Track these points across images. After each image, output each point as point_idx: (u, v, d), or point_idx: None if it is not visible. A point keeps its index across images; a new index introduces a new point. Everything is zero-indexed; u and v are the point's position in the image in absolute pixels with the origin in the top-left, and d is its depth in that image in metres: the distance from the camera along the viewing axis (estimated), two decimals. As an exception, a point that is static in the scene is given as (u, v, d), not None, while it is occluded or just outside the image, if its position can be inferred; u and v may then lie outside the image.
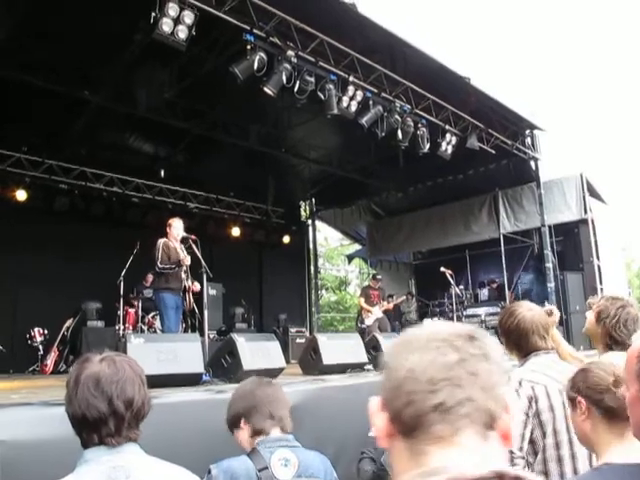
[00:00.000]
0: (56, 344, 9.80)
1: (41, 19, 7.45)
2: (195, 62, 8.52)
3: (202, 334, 6.39)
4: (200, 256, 6.83)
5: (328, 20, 7.73)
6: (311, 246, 16.76)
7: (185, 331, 7.85)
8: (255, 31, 7.27)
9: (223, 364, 5.56)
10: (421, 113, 9.69)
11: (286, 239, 15.45)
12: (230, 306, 12.19)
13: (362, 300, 11.66)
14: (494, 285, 14.02)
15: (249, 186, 14.11)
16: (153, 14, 6.37)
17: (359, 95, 8.69)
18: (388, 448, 0.83)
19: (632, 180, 37.17)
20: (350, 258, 19.47)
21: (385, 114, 9.16)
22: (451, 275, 10.75)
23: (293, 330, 12.65)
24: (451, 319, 11.06)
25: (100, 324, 10.13)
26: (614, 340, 2.53)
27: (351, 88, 8.56)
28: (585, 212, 12.35)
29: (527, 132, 11.81)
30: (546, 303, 9.67)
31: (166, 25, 6.42)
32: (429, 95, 9.56)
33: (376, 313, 11.30)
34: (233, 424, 2.35)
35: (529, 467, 2.24)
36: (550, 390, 2.31)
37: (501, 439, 0.79)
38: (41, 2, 7.20)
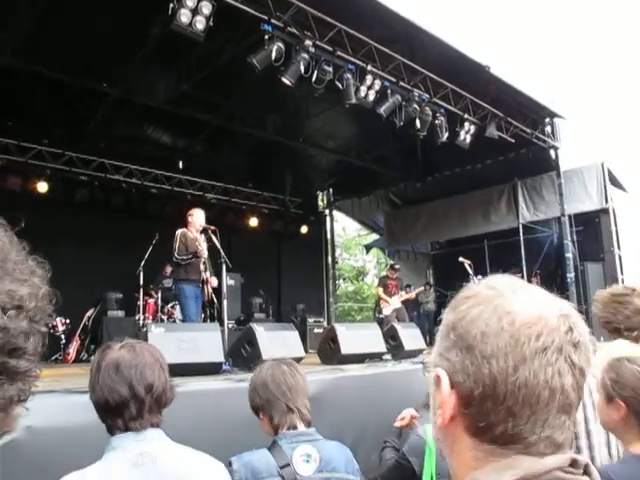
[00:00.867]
0: (78, 333, 9.94)
1: (59, 15, 7.49)
2: (213, 53, 8.52)
3: (221, 324, 6.44)
4: (219, 246, 6.87)
5: (346, 9, 7.68)
6: (329, 236, 16.76)
7: (204, 321, 7.90)
8: (273, 21, 7.25)
9: (242, 353, 5.60)
10: (440, 102, 9.61)
11: (304, 229, 15.47)
12: (248, 296, 12.25)
13: (380, 290, 11.64)
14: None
15: (267, 177, 14.14)
16: (171, 5, 6.39)
17: (377, 84, 8.64)
18: (444, 429, 0.80)
19: (654, 168, 36.56)
20: (368, 248, 19.44)
21: (403, 103, 9.11)
22: (470, 265, 10.68)
23: (311, 320, 12.70)
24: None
25: (120, 314, 10.25)
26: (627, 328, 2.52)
27: (369, 77, 8.51)
28: (606, 201, 12.18)
29: (547, 120, 11.66)
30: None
31: (184, 16, 6.43)
32: (448, 84, 9.48)
33: (394, 303, 11.28)
34: (254, 413, 2.36)
35: None
36: None
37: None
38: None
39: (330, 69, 7.95)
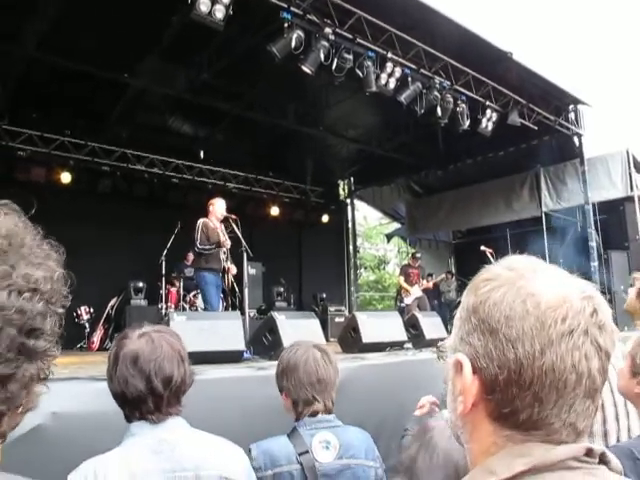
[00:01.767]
0: (102, 322, 10.10)
1: (81, 6, 7.53)
2: (232, 42, 8.52)
3: (242, 312, 6.49)
4: (240, 235, 6.91)
5: (366, -4, 7.63)
6: (350, 225, 16.74)
7: (226, 309, 7.97)
8: (292, 9, 7.22)
9: (264, 342, 5.63)
10: (461, 89, 9.51)
11: (325, 218, 15.47)
12: (270, 285, 12.33)
13: (401, 279, 11.62)
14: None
15: (288, 166, 14.14)
16: (191, -6, 6.40)
17: (398, 72, 8.58)
18: (465, 415, 0.78)
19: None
20: (389, 237, 19.37)
21: (424, 91, 9.03)
22: (491, 254, 10.58)
23: (332, 309, 12.75)
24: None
25: (143, 303, 10.38)
26: None
27: (389, 65, 8.45)
28: (631, 189, 11.97)
29: (571, 107, 11.48)
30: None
31: (203, 5, 6.43)
32: (469, 70, 9.37)
33: (415, 292, 11.25)
34: (279, 390, 2.34)
35: None
36: None
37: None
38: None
39: (350, 57, 7.91)
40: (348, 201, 16.63)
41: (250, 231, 9.27)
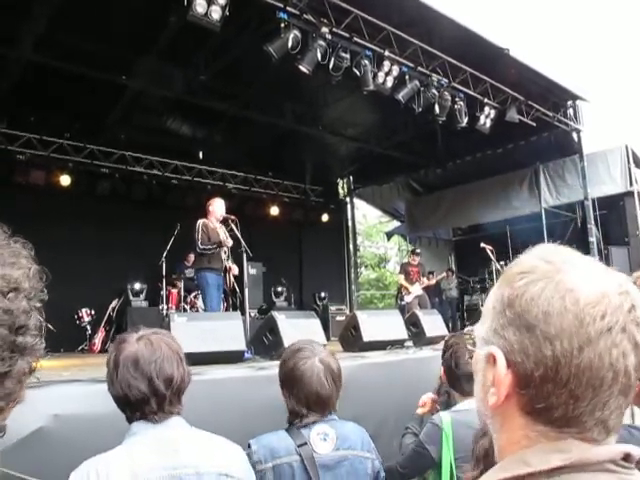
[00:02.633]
0: (103, 324, 10.12)
1: (77, 8, 7.53)
2: (229, 42, 8.53)
3: (243, 312, 6.50)
4: (240, 236, 6.92)
5: (362, -6, 7.63)
6: (350, 224, 16.75)
7: (226, 310, 7.98)
8: (288, 9, 7.22)
9: (264, 342, 5.65)
10: (459, 87, 9.51)
11: (325, 217, 15.48)
12: (270, 285, 12.34)
13: (401, 277, 11.61)
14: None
15: (287, 165, 14.15)
16: (187, -5, 6.40)
17: (395, 70, 8.58)
18: (495, 407, 0.77)
19: (681, 149, 35.75)
20: (389, 235, 19.39)
21: (422, 89, 9.04)
22: (491, 251, 10.60)
23: (333, 308, 12.77)
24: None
25: (144, 304, 10.40)
26: None
27: (387, 63, 8.45)
28: (631, 184, 11.98)
29: (569, 103, 11.49)
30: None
31: (200, 6, 6.43)
32: (466, 68, 9.37)
33: (416, 290, 11.24)
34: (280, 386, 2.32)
35: None
36: None
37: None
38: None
39: (347, 56, 7.92)
40: (347, 200, 16.64)
41: (250, 231, 9.29)
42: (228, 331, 5.17)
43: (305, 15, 7.40)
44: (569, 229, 13.24)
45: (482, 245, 10.59)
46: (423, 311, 8.50)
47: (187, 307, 10.19)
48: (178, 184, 12.82)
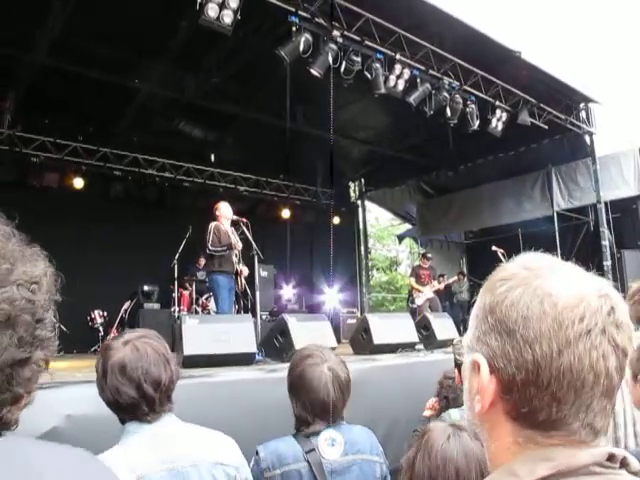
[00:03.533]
0: (115, 325, 10.16)
1: (90, 13, 7.61)
2: (241, 46, 8.57)
3: (254, 315, 6.51)
4: (251, 238, 6.94)
5: (373, -2, 7.65)
6: (361, 227, 16.76)
7: (238, 312, 8.00)
8: (300, 12, 7.26)
9: (275, 344, 5.66)
10: (470, 89, 9.51)
11: (336, 220, 15.45)
12: (281, 287, 12.34)
13: (412, 280, 11.61)
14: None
15: (298, 168, 14.16)
16: (199, 0, 6.45)
17: (406, 73, 8.60)
18: (483, 414, 0.79)
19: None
20: (400, 238, 19.34)
21: (433, 92, 9.05)
22: (503, 254, 10.52)
23: (344, 310, 12.74)
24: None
25: (156, 306, 10.44)
26: None
27: (398, 66, 8.47)
28: (644, 187, 11.91)
29: (581, 106, 11.44)
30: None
31: (212, 10, 6.48)
32: (478, 71, 9.36)
33: (427, 293, 11.23)
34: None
35: None
36: None
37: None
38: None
39: (358, 59, 7.94)
40: (359, 203, 16.65)
41: (261, 234, 9.33)
42: (239, 333, 5.19)
43: (316, 19, 7.44)
44: (581, 232, 13.16)
45: (494, 248, 10.53)
46: (434, 314, 8.47)
47: (199, 309, 10.22)
48: (190, 187, 12.87)
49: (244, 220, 7.20)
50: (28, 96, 9.53)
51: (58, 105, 10.04)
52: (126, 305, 10.49)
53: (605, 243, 11.36)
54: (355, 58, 7.89)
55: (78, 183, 11.10)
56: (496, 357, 0.75)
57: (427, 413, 3.20)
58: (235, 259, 7.31)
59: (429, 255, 12.03)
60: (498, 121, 10.05)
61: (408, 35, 8.31)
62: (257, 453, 2.14)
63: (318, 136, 12.13)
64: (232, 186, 13.57)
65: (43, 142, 10.83)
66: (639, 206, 12.23)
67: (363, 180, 16.39)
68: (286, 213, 14.36)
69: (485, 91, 9.75)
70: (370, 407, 4.30)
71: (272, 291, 11.56)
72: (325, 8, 7.50)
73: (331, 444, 2.17)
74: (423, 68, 8.82)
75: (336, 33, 7.57)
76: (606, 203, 11.77)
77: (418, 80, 8.82)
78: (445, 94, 9.09)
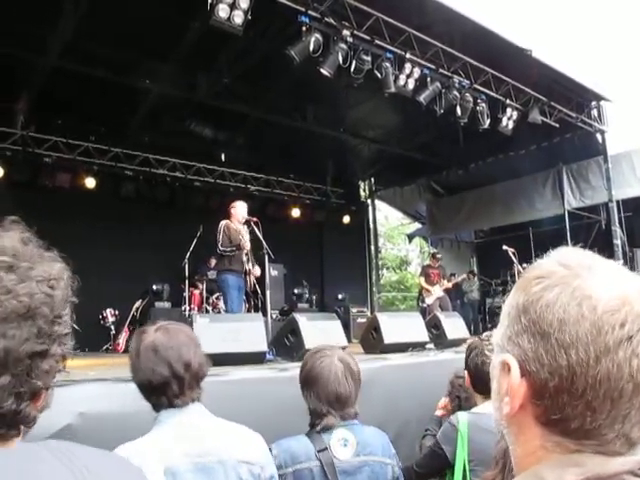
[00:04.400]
0: (127, 324, 10.23)
1: (102, 14, 7.66)
2: (251, 46, 8.59)
3: (264, 314, 6.53)
4: (262, 238, 6.96)
5: (383, -3, 7.65)
6: (371, 226, 16.74)
7: (248, 311, 8.03)
8: (310, 12, 7.27)
9: (286, 343, 5.66)
10: (480, 88, 9.47)
11: (346, 219, 15.48)
12: (291, 286, 12.36)
13: (422, 279, 11.60)
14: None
15: (308, 167, 14.18)
16: (209, 0, 6.47)
17: (416, 72, 8.58)
18: (510, 417, 0.74)
19: None
20: (410, 237, 19.32)
21: (443, 91, 9.02)
22: (514, 253, 10.49)
23: (354, 310, 12.76)
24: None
25: (167, 305, 10.51)
26: None
27: (408, 65, 8.46)
28: (657, 185, 11.82)
29: (593, 104, 11.35)
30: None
31: (222, 11, 6.51)
32: (488, 69, 9.33)
33: (437, 292, 11.21)
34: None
35: None
36: None
37: None
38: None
39: (368, 58, 7.94)
40: (369, 202, 16.63)
41: (271, 233, 9.36)
42: (250, 332, 5.20)
43: (326, 18, 7.44)
44: (593, 231, 13.06)
45: (504, 247, 10.49)
46: (444, 313, 8.46)
47: (209, 308, 10.27)
48: (201, 186, 12.92)
49: (254, 219, 7.23)
50: (41, 97, 9.60)
51: (70, 106, 10.11)
52: (137, 304, 10.56)
53: (617, 242, 11.28)
54: (365, 57, 7.89)
55: (90, 183, 11.16)
56: (528, 360, 0.71)
57: (439, 413, 3.21)
58: (245, 258, 7.34)
59: (438, 255, 12.01)
60: (509, 120, 10.00)
61: (418, 34, 8.29)
62: (270, 450, 2.16)
63: (328, 135, 12.17)
64: (242, 185, 13.61)
65: (55, 142, 10.91)
66: (652, 205, 12.14)
67: (373, 179, 16.37)
68: (296, 212, 14.38)
69: (495, 90, 9.70)
70: (381, 406, 4.31)
71: (282, 290, 11.59)
72: (335, 8, 7.51)
73: (344, 444, 2.19)
74: (433, 67, 8.80)
75: (346, 32, 7.57)
76: (618, 202, 11.68)
77: (428, 79, 8.80)
78: (455, 93, 9.07)
